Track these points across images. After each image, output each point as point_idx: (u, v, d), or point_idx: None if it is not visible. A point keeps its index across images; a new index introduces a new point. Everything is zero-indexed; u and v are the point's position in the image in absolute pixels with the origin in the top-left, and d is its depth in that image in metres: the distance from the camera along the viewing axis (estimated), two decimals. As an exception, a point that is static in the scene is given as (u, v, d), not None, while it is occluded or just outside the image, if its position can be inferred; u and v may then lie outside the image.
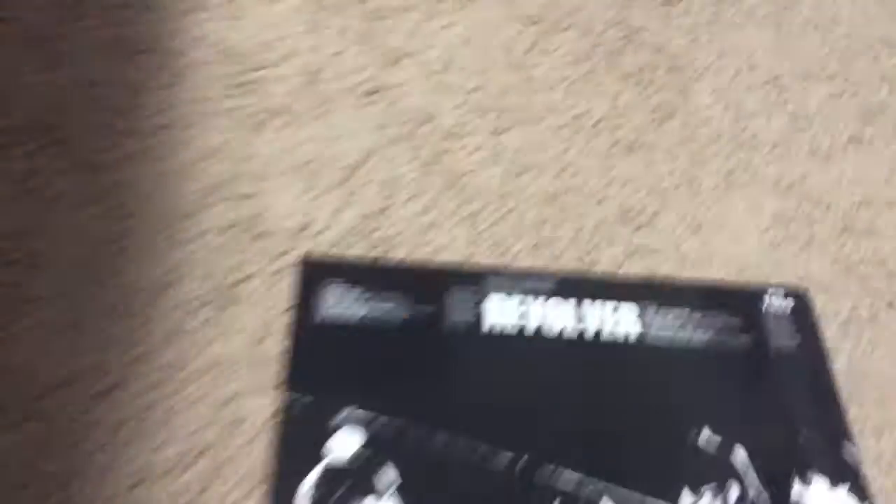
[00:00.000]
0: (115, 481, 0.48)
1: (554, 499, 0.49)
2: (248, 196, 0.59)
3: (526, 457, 0.50)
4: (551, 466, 0.50)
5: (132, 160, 0.60)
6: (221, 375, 0.53)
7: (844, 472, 0.52)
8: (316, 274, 0.56)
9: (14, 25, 0.64)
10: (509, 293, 0.57)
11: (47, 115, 0.61)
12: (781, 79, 0.72)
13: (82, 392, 0.51)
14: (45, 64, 0.62)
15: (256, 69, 0.65)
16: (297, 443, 0.50)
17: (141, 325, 0.53)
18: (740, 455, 0.52)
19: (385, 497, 0.49)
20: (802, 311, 0.58)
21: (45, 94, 0.61)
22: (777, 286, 0.59)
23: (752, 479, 0.51)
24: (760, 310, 0.58)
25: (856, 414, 0.55)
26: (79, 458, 0.49)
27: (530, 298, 0.57)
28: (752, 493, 0.50)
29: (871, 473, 0.53)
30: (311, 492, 0.48)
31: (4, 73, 0.62)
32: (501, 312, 0.56)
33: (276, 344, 0.54)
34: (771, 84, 0.72)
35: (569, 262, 0.60)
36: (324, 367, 0.53)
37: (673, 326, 0.56)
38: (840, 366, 0.57)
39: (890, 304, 0.60)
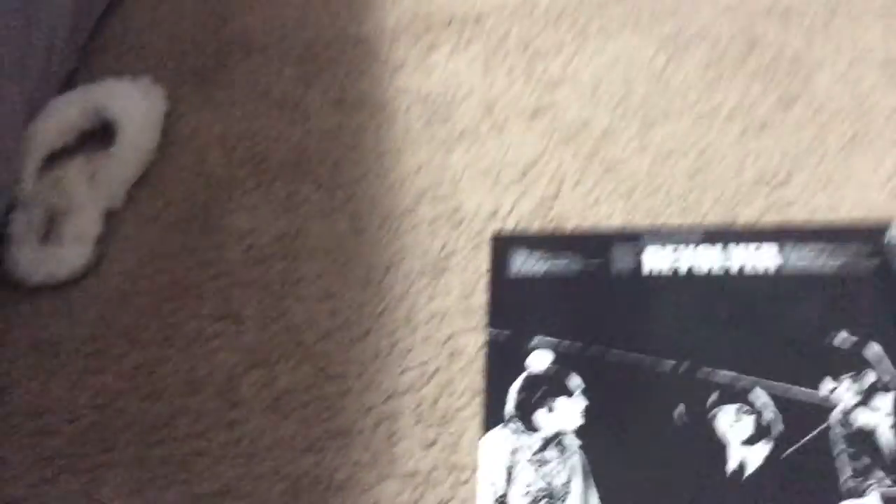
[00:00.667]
0: (373, 396, 0.65)
1: (713, 391, 0.60)
2: (447, 196, 0.76)
3: (686, 363, 0.62)
4: (708, 369, 0.62)
5: (360, 181, 0.79)
6: (441, 322, 0.69)
7: (975, 360, 0.60)
8: (505, 244, 0.72)
9: (267, 92, 0.86)
10: (663, 244, 0.69)
11: (295, 155, 0.81)
12: (895, 61, 0.82)
13: (341, 339, 0.68)
14: (291, 118, 0.84)
15: (446, 106, 0.83)
16: (501, 363, 0.65)
17: (379, 291, 0.71)
18: (874, 348, 0.61)
19: (574, 397, 0.62)
20: (925, 238, 0.67)
21: (293, 141, 0.82)
22: (901, 220, 0.68)
23: (885, 367, 0.60)
24: (885, 239, 0.67)
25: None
26: (343, 383, 0.66)
27: (682, 247, 0.69)
28: (886, 378, 0.59)
29: None
30: (516, 396, 0.62)
31: (262, 127, 0.83)
32: (657, 260, 0.68)
33: (479, 297, 0.69)
34: (886, 66, 0.81)
35: (713, 220, 0.72)
36: (517, 309, 0.67)
37: (809, 257, 0.67)
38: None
39: None
